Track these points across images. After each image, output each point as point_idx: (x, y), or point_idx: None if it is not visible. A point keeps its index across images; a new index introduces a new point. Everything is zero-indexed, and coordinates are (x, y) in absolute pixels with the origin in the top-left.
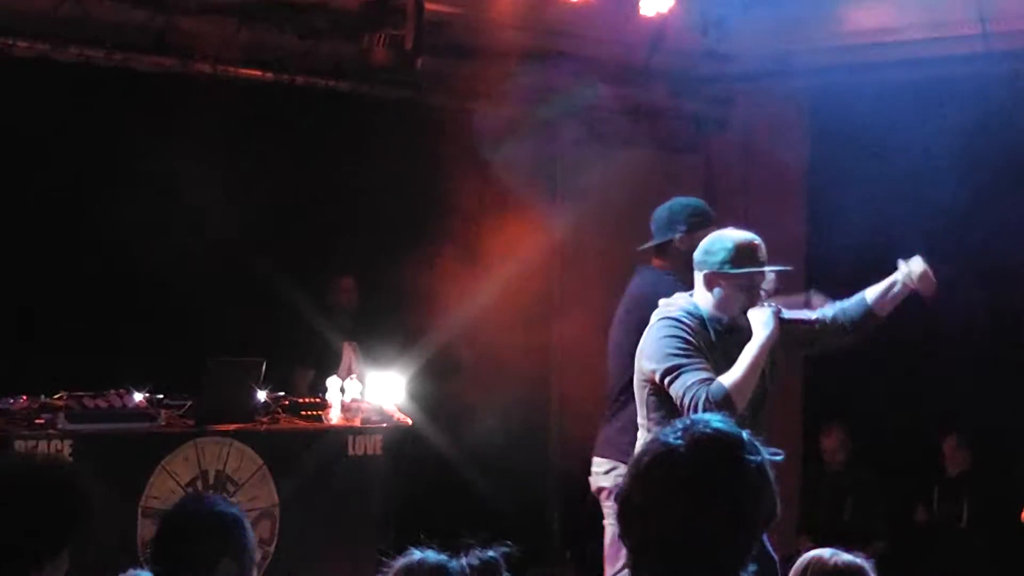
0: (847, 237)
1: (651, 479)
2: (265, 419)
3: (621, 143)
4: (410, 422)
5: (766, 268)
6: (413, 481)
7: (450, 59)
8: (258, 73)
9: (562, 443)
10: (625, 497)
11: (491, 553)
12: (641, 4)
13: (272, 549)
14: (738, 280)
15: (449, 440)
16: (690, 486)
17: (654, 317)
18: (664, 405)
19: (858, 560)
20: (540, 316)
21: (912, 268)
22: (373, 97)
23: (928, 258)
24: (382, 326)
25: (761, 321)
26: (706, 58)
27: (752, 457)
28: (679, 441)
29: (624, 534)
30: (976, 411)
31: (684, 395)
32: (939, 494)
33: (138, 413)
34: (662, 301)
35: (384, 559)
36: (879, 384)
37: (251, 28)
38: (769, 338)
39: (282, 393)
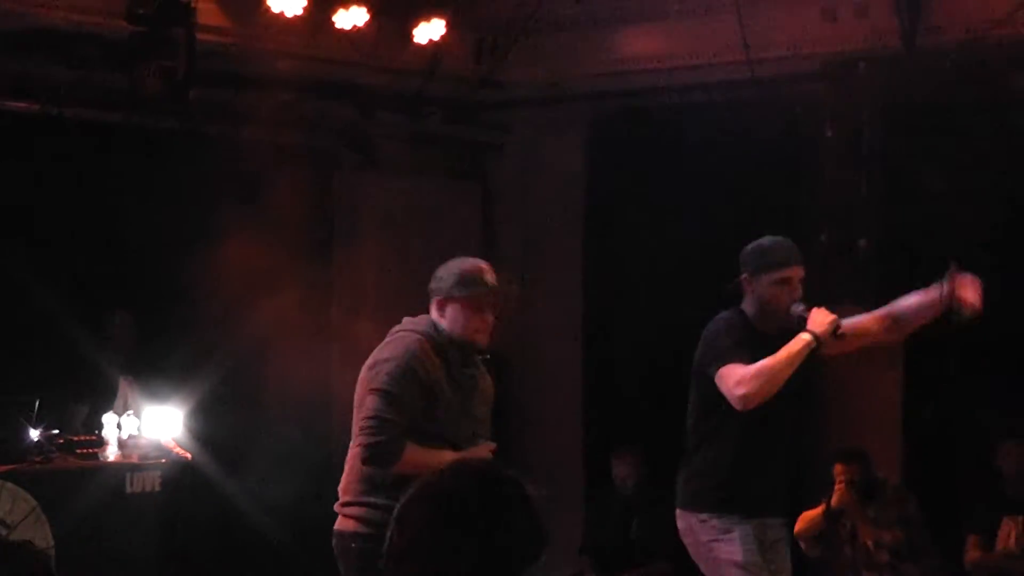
0: (626, 260)
1: (407, 520)
2: (39, 459)
3: (399, 170)
4: (189, 457)
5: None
6: (194, 517)
7: (223, 88)
8: (24, 105)
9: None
10: (388, 541)
11: None
12: (415, 32)
13: None
14: (464, 302)
15: (230, 474)
16: (442, 520)
17: (397, 332)
18: None
19: None
20: (319, 345)
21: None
22: (145, 128)
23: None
24: (159, 360)
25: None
26: (482, 85)
27: (506, 490)
28: (436, 479)
29: None
30: None
31: (367, 423)
32: None
33: None
34: (407, 320)
35: None
36: (659, 405)
37: (17, 58)
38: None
39: (57, 431)
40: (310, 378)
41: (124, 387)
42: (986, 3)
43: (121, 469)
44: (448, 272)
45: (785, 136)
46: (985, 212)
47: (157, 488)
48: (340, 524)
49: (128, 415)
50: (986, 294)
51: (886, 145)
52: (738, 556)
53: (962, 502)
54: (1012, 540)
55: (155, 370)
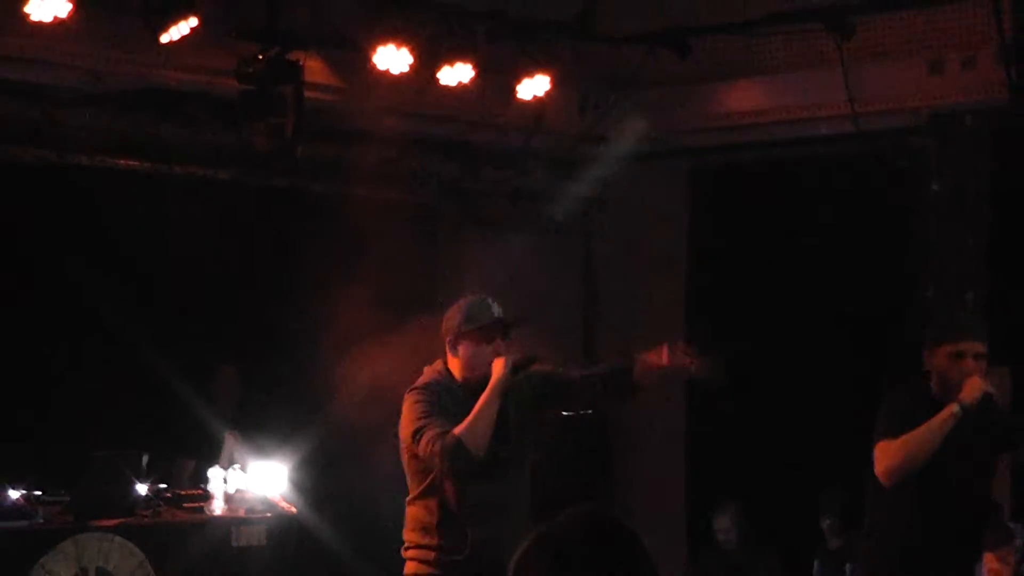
0: (729, 314)
1: (524, 569)
2: (147, 512)
3: (502, 225)
4: (295, 511)
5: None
6: (299, 571)
7: (330, 145)
8: (136, 163)
9: None
10: None
11: None
12: (519, 88)
13: None
14: (475, 336)
15: (336, 529)
16: (558, 571)
17: None
18: (424, 472)
19: None
20: None
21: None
22: (253, 185)
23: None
24: (264, 415)
25: (496, 369)
26: (584, 140)
27: (623, 541)
28: (552, 528)
29: None
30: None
31: (428, 450)
32: (821, 567)
33: (15, 511)
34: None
35: None
36: (763, 460)
37: (128, 117)
38: (499, 383)
39: (164, 485)
40: None
41: (230, 441)
42: None
43: (227, 523)
44: (455, 312)
45: (890, 190)
46: None
47: (263, 542)
48: (405, 568)
49: (234, 469)
50: None
51: (993, 198)
52: None
53: None
54: None
55: (260, 424)
